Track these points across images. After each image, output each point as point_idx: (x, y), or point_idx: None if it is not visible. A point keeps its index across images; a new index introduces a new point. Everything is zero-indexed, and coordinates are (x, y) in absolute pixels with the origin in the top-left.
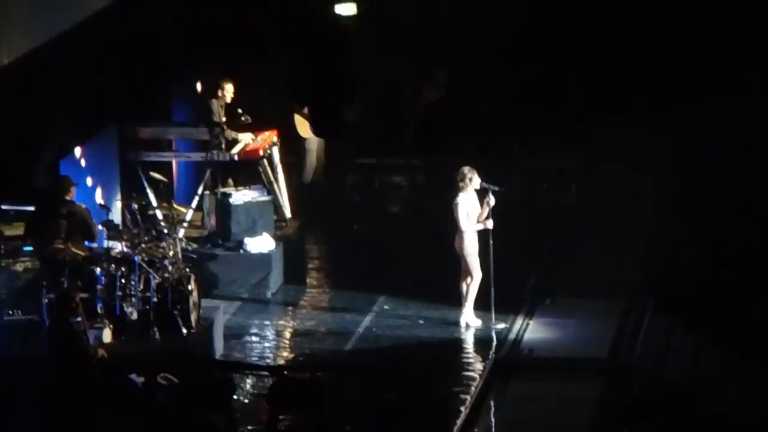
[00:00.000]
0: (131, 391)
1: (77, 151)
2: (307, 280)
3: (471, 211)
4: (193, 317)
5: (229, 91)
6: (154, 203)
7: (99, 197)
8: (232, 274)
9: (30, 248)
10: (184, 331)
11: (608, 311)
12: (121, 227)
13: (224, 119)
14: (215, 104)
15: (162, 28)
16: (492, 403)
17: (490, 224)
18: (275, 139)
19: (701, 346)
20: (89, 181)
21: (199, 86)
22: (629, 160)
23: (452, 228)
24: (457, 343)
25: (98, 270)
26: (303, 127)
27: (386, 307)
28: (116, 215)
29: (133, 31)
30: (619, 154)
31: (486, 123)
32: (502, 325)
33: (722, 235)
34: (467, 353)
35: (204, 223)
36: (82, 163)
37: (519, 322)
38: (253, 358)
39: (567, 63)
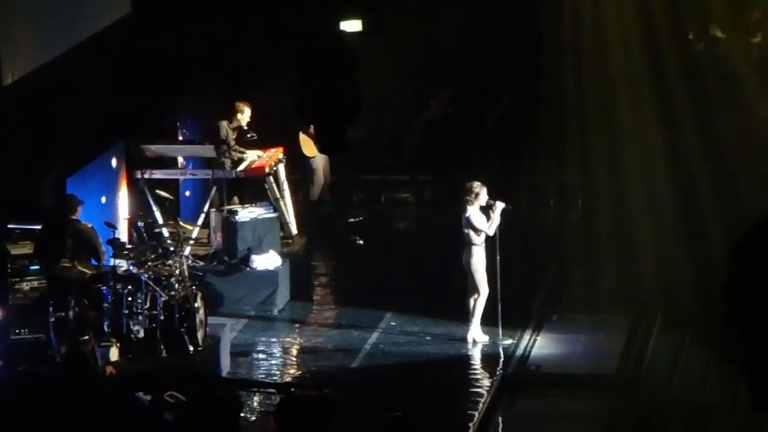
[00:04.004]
0: (138, 410)
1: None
2: (314, 297)
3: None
4: (199, 335)
5: (246, 114)
6: (160, 221)
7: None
8: (238, 291)
9: (37, 267)
10: (191, 348)
11: (616, 326)
12: (127, 245)
13: (234, 141)
14: (224, 126)
15: (167, 46)
16: (500, 419)
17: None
18: (281, 156)
19: (710, 361)
20: (103, 200)
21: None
22: (636, 173)
23: (459, 244)
24: (465, 360)
25: (105, 288)
26: (308, 146)
27: (393, 323)
28: (122, 233)
29: (138, 50)
30: (624, 168)
31: (491, 139)
32: (509, 341)
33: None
34: (474, 369)
35: (210, 240)
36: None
37: (526, 338)
38: (260, 376)
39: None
